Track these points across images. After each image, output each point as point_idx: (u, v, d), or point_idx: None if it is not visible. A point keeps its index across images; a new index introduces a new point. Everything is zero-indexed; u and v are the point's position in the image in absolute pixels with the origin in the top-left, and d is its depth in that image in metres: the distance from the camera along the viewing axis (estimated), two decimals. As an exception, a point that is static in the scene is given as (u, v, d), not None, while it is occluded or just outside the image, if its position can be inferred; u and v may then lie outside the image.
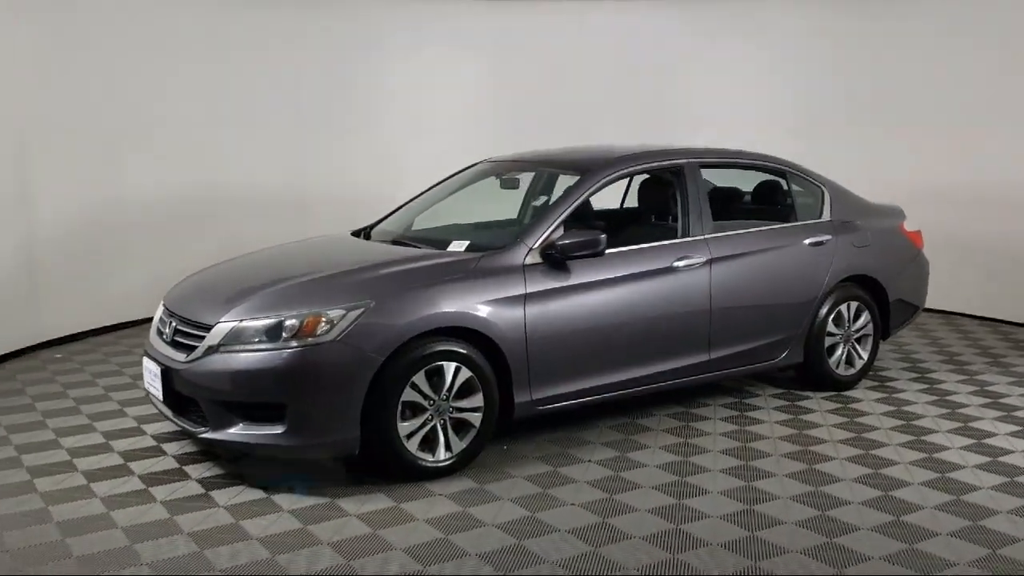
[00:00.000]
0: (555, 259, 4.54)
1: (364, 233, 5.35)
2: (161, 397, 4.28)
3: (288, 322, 3.99)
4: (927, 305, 7.95)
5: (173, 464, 4.43)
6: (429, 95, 8.50)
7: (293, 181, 8.14)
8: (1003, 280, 7.58)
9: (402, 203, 5.72)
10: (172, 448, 4.64)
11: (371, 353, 3.98)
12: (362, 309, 4.03)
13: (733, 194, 5.97)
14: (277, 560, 3.44)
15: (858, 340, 5.73)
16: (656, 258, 4.87)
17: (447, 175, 5.80)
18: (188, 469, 4.37)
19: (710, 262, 5.01)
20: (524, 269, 4.46)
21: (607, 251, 4.68)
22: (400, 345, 4.05)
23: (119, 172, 7.17)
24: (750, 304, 5.19)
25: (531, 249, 4.53)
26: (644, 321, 4.80)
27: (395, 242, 5.01)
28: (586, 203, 5.70)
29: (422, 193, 5.71)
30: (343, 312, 4.01)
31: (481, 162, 5.77)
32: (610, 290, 4.68)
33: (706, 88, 8.59)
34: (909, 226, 6.13)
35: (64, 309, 6.90)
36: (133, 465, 4.42)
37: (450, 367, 4.18)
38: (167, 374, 4.21)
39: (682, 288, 4.92)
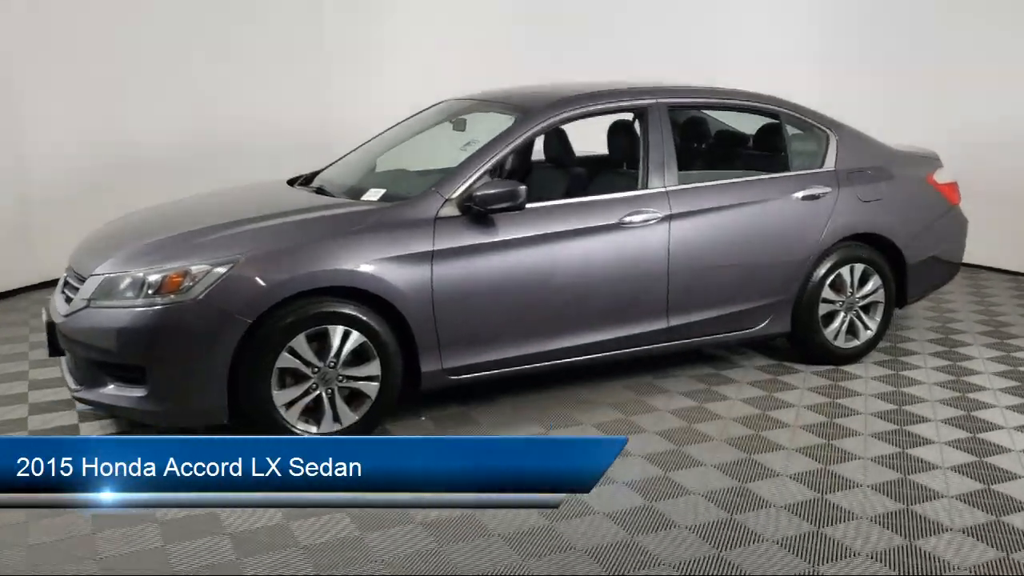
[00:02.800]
0: (475, 212, 4.05)
1: (305, 179, 4.95)
2: (48, 352, 4.08)
3: (150, 277, 3.67)
4: (993, 264, 7.10)
5: (72, 420, 4.24)
6: (457, 30, 7.99)
7: (311, 121, 7.79)
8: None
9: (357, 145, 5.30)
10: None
11: (237, 314, 3.63)
12: (229, 265, 3.67)
13: (726, 140, 5.28)
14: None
15: (865, 308, 5.00)
16: (601, 213, 4.29)
17: (407, 115, 5.33)
18: (83, 427, 4.17)
19: (669, 218, 4.39)
20: (435, 223, 4.00)
21: (549, 203, 4.23)
22: (273, 306, 3.67)
23: (119, 109, 6.93)
24: (719, 265, 4.55)
25: (447, 200, 4.05)
26: (582, 284, 4.25)
27: (319, 191, 4.61)
28: (564, 146, 5.19)
29: (377, 136, 5.26)
30: (207, 268, 3.66)
31: (444, 101, 5.27)
32: (540, 248, 4.15)
33: (736, 25, 7.85)
34: (945, 176, 5.30)
35: (61, 250, 6.83)
36: (33, 419, 4.26)
37: (336, 331, 3.79)
38: (51, 327, 3.99)
39: (633, 247, 4.34)
